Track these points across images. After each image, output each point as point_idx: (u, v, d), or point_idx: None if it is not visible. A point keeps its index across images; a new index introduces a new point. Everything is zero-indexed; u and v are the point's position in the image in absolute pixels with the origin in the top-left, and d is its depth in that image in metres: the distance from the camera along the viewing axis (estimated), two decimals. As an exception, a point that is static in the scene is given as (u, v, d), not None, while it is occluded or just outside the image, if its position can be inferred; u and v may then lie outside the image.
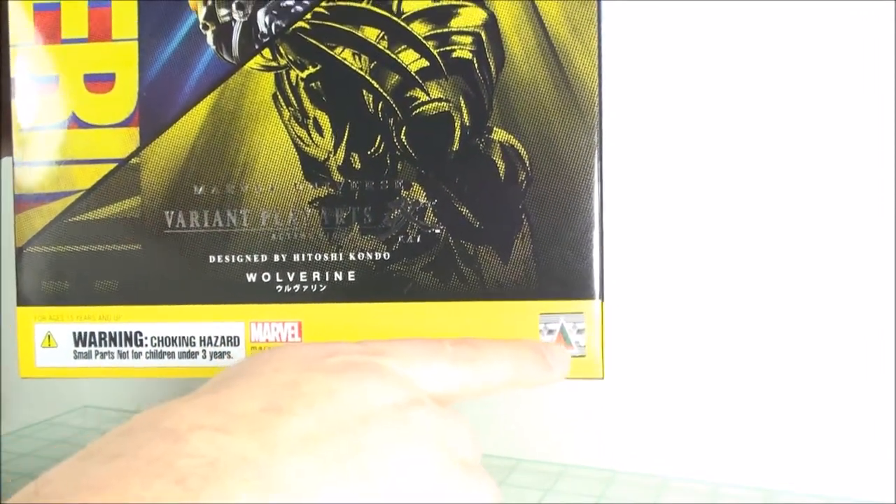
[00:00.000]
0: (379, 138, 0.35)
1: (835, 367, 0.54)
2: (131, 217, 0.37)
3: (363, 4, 0.36)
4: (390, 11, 0.35)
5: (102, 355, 0.37)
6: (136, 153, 0.37)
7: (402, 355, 0.27)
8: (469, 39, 0.35)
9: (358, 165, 0.36)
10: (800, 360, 0.54)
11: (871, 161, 0.53)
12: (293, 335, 0.36)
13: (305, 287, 0.36)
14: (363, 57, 0.36)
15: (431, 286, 0.35)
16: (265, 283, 0.36)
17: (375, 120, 0.35)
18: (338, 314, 0.35)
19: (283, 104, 0.36)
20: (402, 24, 0.35)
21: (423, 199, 0.35)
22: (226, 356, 0.36)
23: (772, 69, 0.54)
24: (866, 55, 0.52)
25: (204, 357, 0.36)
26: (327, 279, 0.36)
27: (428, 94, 0.35)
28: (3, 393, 0.75)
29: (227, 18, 0.36)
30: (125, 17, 0.37)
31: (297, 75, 0.36)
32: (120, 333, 0.37)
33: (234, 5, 0.36)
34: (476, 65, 0.35)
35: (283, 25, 0.36)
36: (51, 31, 0.37)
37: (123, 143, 0.37)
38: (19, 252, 0.37)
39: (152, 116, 0.37)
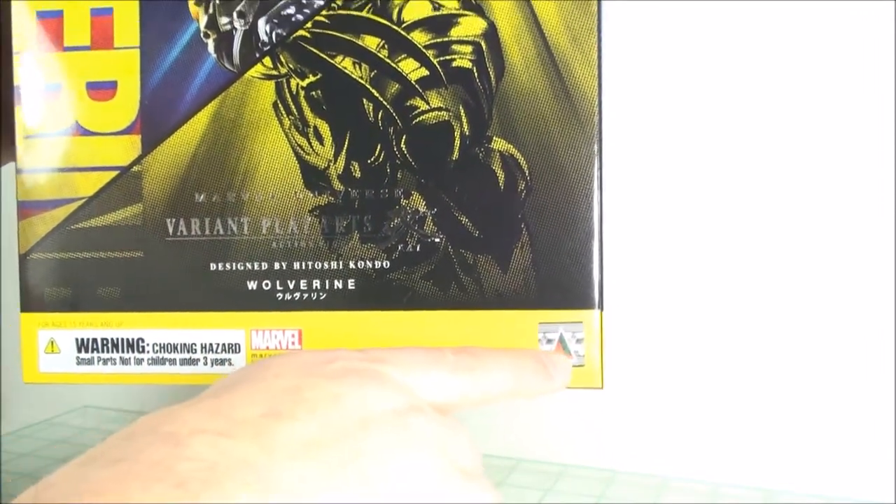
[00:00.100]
0: (379, 147, 0.36)
1: (835, 367, 0.54)
2: (133, 224, 0.37)
3: (363, 13, 0.36)
4: (390, 20, 0.35)
5: (105, 361, 0.37)
6: (137, 161, 0.37)
7: (402, 363, 0.28)
8: (469, 49, 0.35)
9: (358, 174, 0.36)
10: (800, 361, 0.55)
11: (871, 171, 0.53)
12: (293, 343, 0.36)
13: (305, 295, 0.36)
14: (363, 66, 0.36)
15: (431, 295, 0.35)
16: (266, 290, 0.36)
17: (375, 129, 0.36)
18: (338, 322, 0.36)
19: (283, 113, 0.36)
20: (403, 33, 0.35)
21: (422, 208, 0.35)
22: (226, 363, 0.36)
23: (771, 79, 0.54)
24: (866, 56, 0.52)
25: (205, 364, 0.36)
26: (327, 287, 0.36)
27: (428, 103, 0.35)
28: (3, 393, 0.75)
29: (228, 27, 0.36)
30: (127, 24, 0.37)
31: (298, 84, 0.36)
32: (122, 340, 0.37)
33: (234, 14, 0.36)
34: (476, 74, 0.35)
35: (284, 34, 0.36)
36: (54, 38, 0.37)
37: (125, 150, 0.37)
38: (22, 258, 0.38)
39: (154, 124, 0.37)
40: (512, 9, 0.35)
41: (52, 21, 0.37)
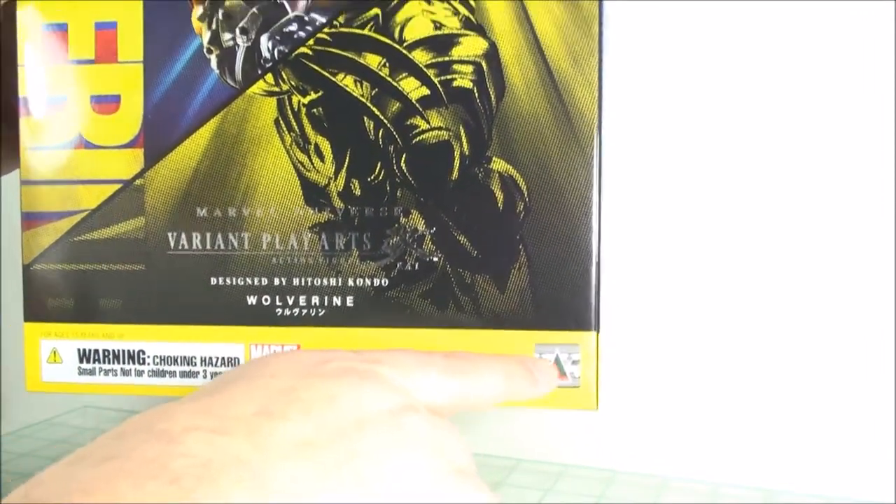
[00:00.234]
0: (379, 165, 0.36)
1: (835, 367, 0.54)
2: (135, 237, 0.37)
3: (365, 31, 0.36)
4: (392, 39, 0.36)
5: (106, 372, 0.38)
6: (140, 174, 0.37)
7: (397, 364, 0.28)
8: (470, 69, 0.35)
9: (358, 192, 0.36)
10: (800, 361, 0.55)
11: (870, 182, 0.52)
12: None
13: (304, 311, 0.36)
14: (364, 84, 0.36)
15: (428, 313, 0.36)
16: (265, 306, 0.36)
17: (376, 147, 0.36)
18: (336, 338, 0.36)
19: (284, 129, 0.36)
20: (404, 51, 0.35)
21: (421, 227, 0.36)
22: (226, 377, 0.37)
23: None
24: (866, 58, 0.52)
25: (204, 377, 0.37)
26: (326, 304, 0.36)
27: (428, 123, 0.35)
28: (3, 393, 0.76)
29: (231, 43, 0.36)
30: (131, 39, 0.37)
31: (299, 101, 0.36)
32: (123, 351, 0.37)
33: (237, 30, 0.36)
34: (476, 94, 0.35)
35: (286, 51, 0.36)
36: (59, 51, 0.37)
37: (128, 164, 0.37)
38: (26, 269, 0.38)
39: (157, 138, 0.37)
40: (513, 30, 0.35)
41: (57, 34, 0.37)
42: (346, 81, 0.36)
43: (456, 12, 0.35)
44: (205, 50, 0.37)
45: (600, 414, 0.60)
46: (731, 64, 0.54)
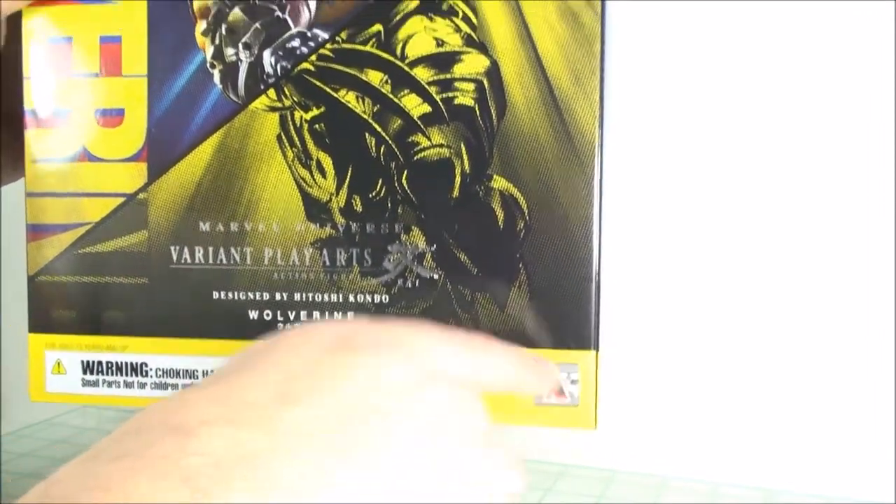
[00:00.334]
0: (380, 182, 0.36)
1: (835, 367, 0.54)
2: (138, 251, 0.38)
3: (367, 48, 0.36)
4: (394, 55, 0.36)
5: (109, 384, 0.38)
6: (143, 188, 0.37)
7: (419, 334, 0.27)
8: (472, 86, 0.35)
9: (359, 208, 0.36)
10: (799, 361, 0.55)
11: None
12: None
13: None
14: (366, 100, 0.36)
15: (428, 330, 0.36)
16: (267, 321, 0.37)
17: (377, 163, 0.36)
18: None
19: (286, 145, 0.36)
20: (406, 68, 0.36)
21: (422, 244, 0.36)
22: (228, 390, 0.37)
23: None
24: (866, 60, 0.52)
25: None
26: (327, 319, 0.36)
27: (429, 140, 0.36)
28: (3, 393, 0.76)
29: (234, 58, 0.37)
30: (135, 53, 0.37)
31: (302, 116, 0.36)
32: (126, 363, 0.38)
33: (240, 45, 0.36)
34: (478, 112, 0.35)
35: (289, 67, 0.36)
36: (64, 64, 0.38)
37: (132, 177, 0.37)
38: (31, 280, 0.38)
39: (160, 152, 0.37)
40: (515, 47, 0.35)
41: (62, 47, 0.38)
42: (349, 98, 0.36)
43: (458, 29, 0.35)
44: (208, 65, 0.37)
45: (600, 414, 0.61)
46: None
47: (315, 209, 0.36)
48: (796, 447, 0.55)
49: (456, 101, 0.35)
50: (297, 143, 0.36)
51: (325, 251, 0.36)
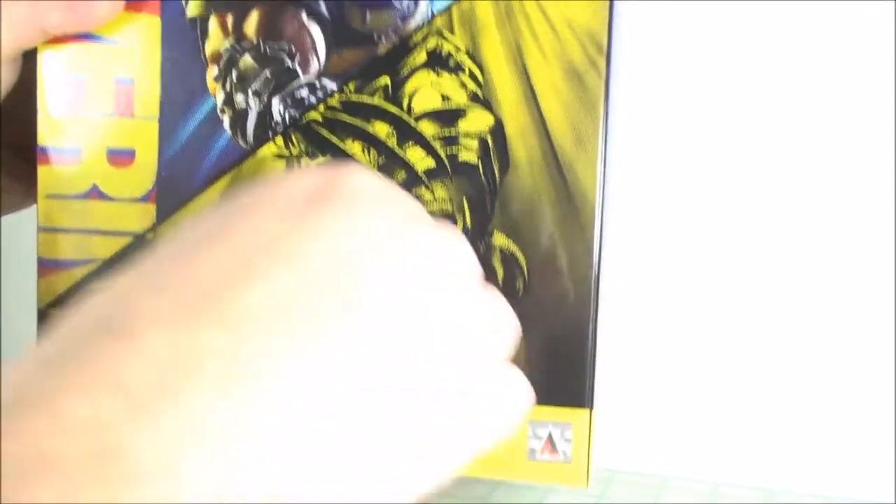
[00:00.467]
0: None
1: (835, 367, 0.54)
2: None
3: (374, 100, 0.36)
4: (401, 108, 0.36)
5: None
6: (152, 229, 0.38)
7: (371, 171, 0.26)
8: (475, 143, 0.35)
9: (362, 258, 0.36)
10: (799, 362, 0.55)
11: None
12: None
13: None
14: (372, 151, 0.36)
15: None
16: None
17: None
18: None
19: (293, 193, 0.37)
20: (412, 122, 0.36)
21: (422, 297, 0.36)
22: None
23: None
24: (866, 61, 0.51)
25: None
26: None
27: (433, 194, 0.36)
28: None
29: (244, 105, 0.37)
30: (147, 95, 0.38)
31: (308, 165, 0.37)
32: None
33: (250, 92, 0.37)
34: (481, 169, 0.36)
35: (297, 116, 0.37)
36: (78, 102, 0.38)
37: (140, 218, 0.38)
38: (41, 314, 0.39)
39: (169, 194, 0.38)
40: (519, 107, 0.35)
41: (76, 85, 0.38)
42: (354, 148, 0.36)
43: (464, 86, 0.35)
44: (218, 110, 0.37)
45: (600, 414, 0.61)
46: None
47: (318, 257, 0.37)
48: (796, 447, 0.55)
49: (460, 158, 0.36)
50: (303, 191, 0.37)
51: (326, 299, 0.37)
